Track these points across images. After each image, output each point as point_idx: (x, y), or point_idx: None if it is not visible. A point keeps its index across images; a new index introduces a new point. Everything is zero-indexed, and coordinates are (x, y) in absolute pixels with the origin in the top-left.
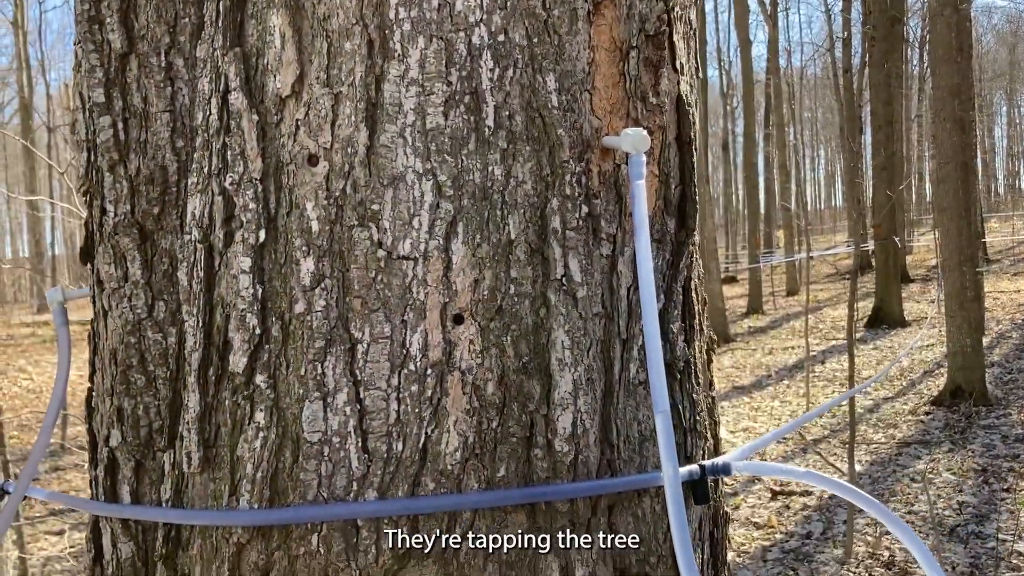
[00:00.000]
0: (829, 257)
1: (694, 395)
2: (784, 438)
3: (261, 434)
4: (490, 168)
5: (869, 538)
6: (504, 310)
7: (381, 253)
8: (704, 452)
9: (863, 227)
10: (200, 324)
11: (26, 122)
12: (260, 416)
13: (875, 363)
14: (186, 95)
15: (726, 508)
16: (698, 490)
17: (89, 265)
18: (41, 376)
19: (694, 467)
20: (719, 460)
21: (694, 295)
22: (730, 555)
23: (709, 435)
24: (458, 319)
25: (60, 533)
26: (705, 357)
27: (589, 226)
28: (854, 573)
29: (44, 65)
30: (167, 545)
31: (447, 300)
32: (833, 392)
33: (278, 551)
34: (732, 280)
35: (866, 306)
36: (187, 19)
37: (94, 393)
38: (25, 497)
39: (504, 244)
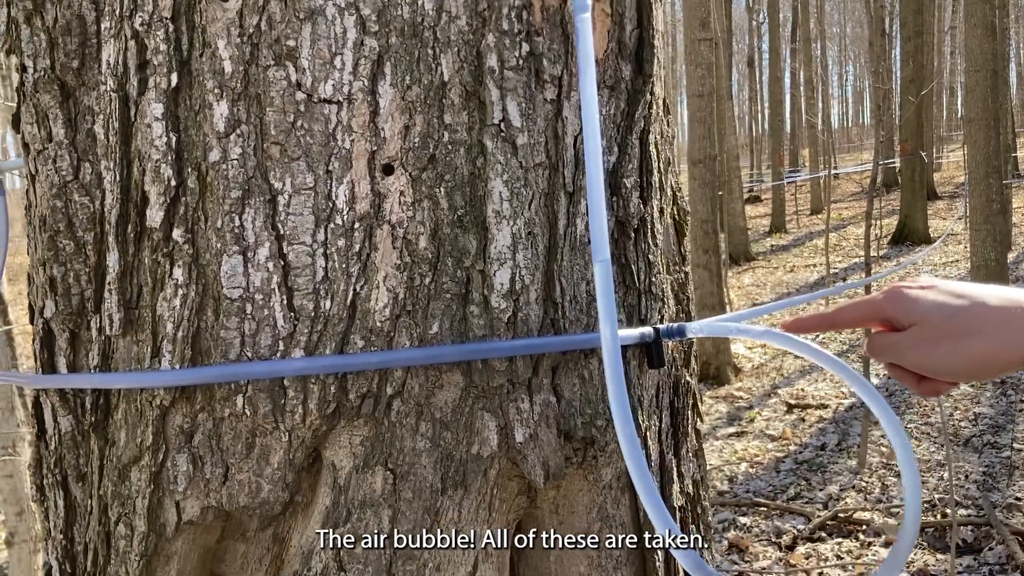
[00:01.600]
0: (854, 175)
1: (650, 256)
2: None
3: (180, 292)
4: (420, 1)
5: (884, 448)
6: (437, 159)
7: (300, 95)
8: (662, 317)
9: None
10: (117, 179)
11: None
12: (179, 273)
13: (897, 279)
14: None
15: (690, 379)
16: (651, 354)
17: (19, 134)
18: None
19: (648, 329)
20: (675, 325)
21: (653, 150)
22: (743, 466)
23: (671, 302)
24: (387, 169)
25: None
26: (671, 223)
27: (531, 67)
28: (867, 482)
29: None
30: (96, 413)
31: (375, 148)
32: None
33: (202, 413)
34: (756, 200)
35: (891, 223)
36: None
37: (31, 265)
38: None
39: (436, 86)
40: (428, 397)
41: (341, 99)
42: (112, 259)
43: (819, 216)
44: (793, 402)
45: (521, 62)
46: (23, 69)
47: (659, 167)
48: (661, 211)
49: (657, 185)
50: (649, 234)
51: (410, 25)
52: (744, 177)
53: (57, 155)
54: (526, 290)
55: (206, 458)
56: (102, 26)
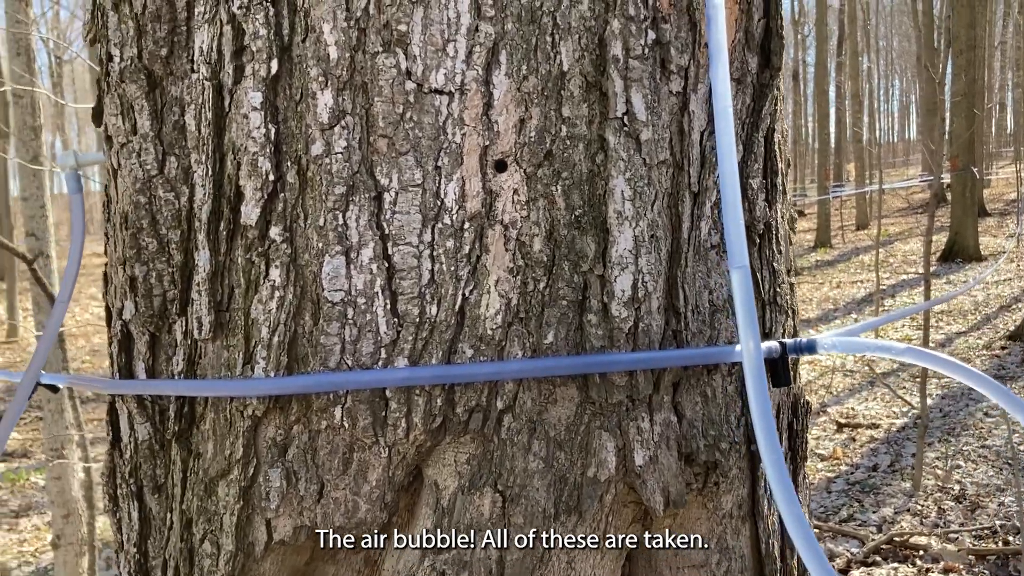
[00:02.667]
0: (901, 190)
1: (775, 264)
2: (850, 371)
3: (277, 294)
4: None
5: (939, 471)
6: (554, 154)
7: (410, 85)
8: (785, 330)
9: (940, 156)
10: (209, 173)
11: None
12: (276, 274)
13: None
14: None
15: (807, 398)
16: (777, 371)
17: (102, 126)
18: None
19: (773, 344)
20: (803, 338)
21: (777, 150)
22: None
23: (791, 313)
24: (500, 165)
25: None
26: (788, 226)
27: (656, 56)
28: (923, 505)
29: None
30: (180, 422)
31: (487, 143)
32: (903, 327)
33: (297, 425)
34: (800, 214)
35: (940, 240)
36: None
37: (108, 264)
38: (55, 389)
39: (555, 76)
40: (541, 413)
41: (453, 89)
42: (202, 258)
43: (865, 231)
44: (843, 421)
45: (647, 51)
46: (108, 58)
47: (782, 168)
48: (783, 216)
49: (781, 188)
50: (774, 240)
51: (528, 10)
52: (788, 190)
53: (142, 148)
54: (648, 298)
55: (300, 473)
56: (195, 11)
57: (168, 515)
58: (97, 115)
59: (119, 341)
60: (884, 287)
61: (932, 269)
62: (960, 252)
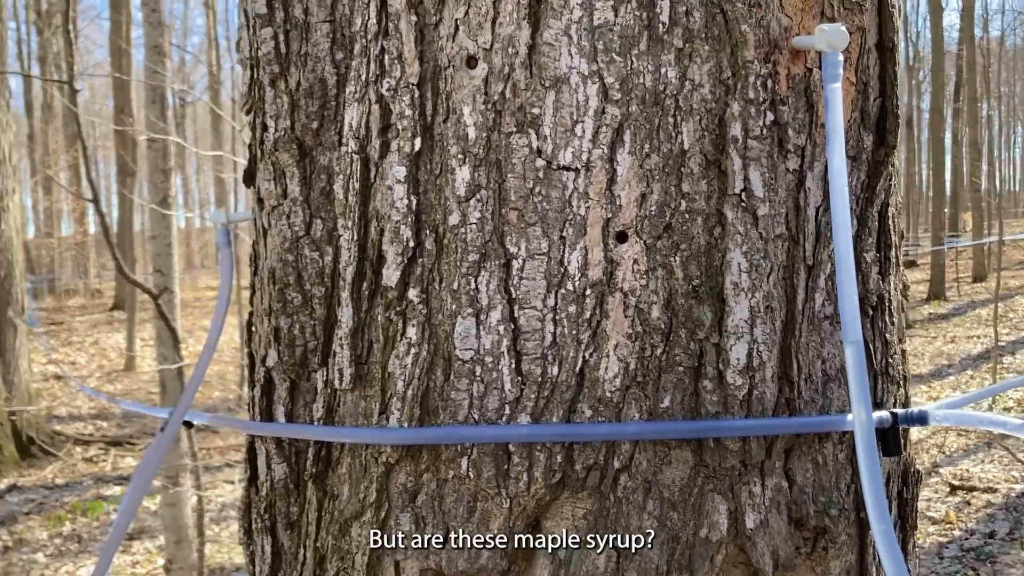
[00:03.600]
0: (1022, 242)
1: (887, 335)
2: (964, 430)
3: (413, 350)
4: (663, 70)
5: None
6: (673, 227)
7: (540, 162)
8: (896, 400)
9: None
10: (355, 238)
11: (215, 98)
12: (412, 332)
13: None
14: (346, 4)
15: (917, 467)
16: (888, 440)
17: (252, 187)
18: (223, 336)
19: (885, 414)
20: (914, 409)
21: (891, 224)
22: None
23: (902, 382)
24: (621, 236)
25: (237, 482)
26: (900, 297)
27: (774, 136)
28: None
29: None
30: (317, 464)
31: (610, 215)
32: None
33: (427, 473)
34: (912, 264)
35: None
36: None
37: (252, 315)
38: (190, 425)
39: (676, 154)
40: (656, 473)
41: (579, 166)
42: (345, 315)
43: (982, 284)
44: (957, 483)
45: (765, 131)
46: (263, 128)
47: (896, 241)
48: (896, 288)
49: (894, 262)
50: (887, 312)
51: (652, 93)
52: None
53: (291, 211)
54: (763, 366)
55: (428, 519)
56: (346, 90)
57: (301, 551)
58: (249, 177)
59: (261, 386)
60: (1003, 343)
61: None
62: None
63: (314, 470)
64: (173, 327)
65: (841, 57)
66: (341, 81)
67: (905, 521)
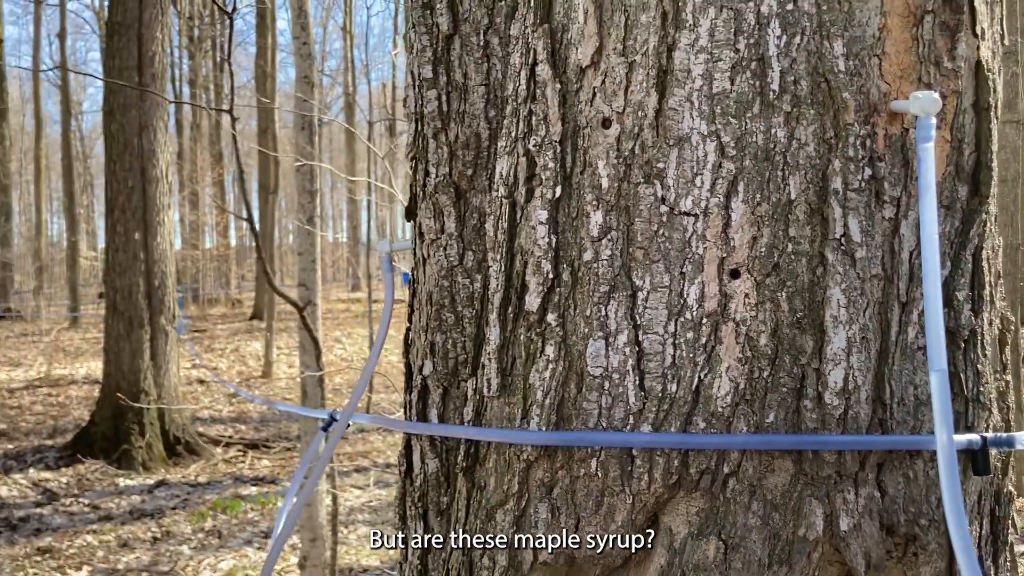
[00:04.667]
0: None
1: (979, 366)
2: None
3: (551, 366)
4: (773, 130)
5: None
6: (780, 267)
7: (664, 208)
8: (988, 425)
9: None
10: (502, 269)
11: (350, 118)
12: (550, 350)
13: None
14: (499, 70)
15: (1011, 488)
16: (978, 461)
17: (412, 222)
18: (352, 346)
19: (975, 436)
20: (1003, 434)
21: (985, 266)
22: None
23: (995, 411)
24: (734, 273)
25: (364, 487)
26: (997, 334)
27: (872, 189)
28: None
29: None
30: (467, 460)
31: (724, 255)
32: None
33: (561, 470)
34: None
35: None
36: (503, 2)
37: (411, 330)
38: (348, 425)
39: (783, 204)
40: (760, 479)
41: (698, 212)
42: (493, 334)
43: None
44: None
45: (863, 184)
46: (426, 173)
47: (990, 280)
48: (990, 323)
49: (988, 299)
50: (979, 345)
51: (763, 151)
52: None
53: (447, 244)
54: (857, 390)
55: (562, 509)
56: (498, 144)
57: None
58: (410, 213)
59: (418, 392)
60: None
61: None
62: None
63: (464, 464)
64: (316, 337)
65: (934, 120)
66: (493, 135)
67: (997, 536)
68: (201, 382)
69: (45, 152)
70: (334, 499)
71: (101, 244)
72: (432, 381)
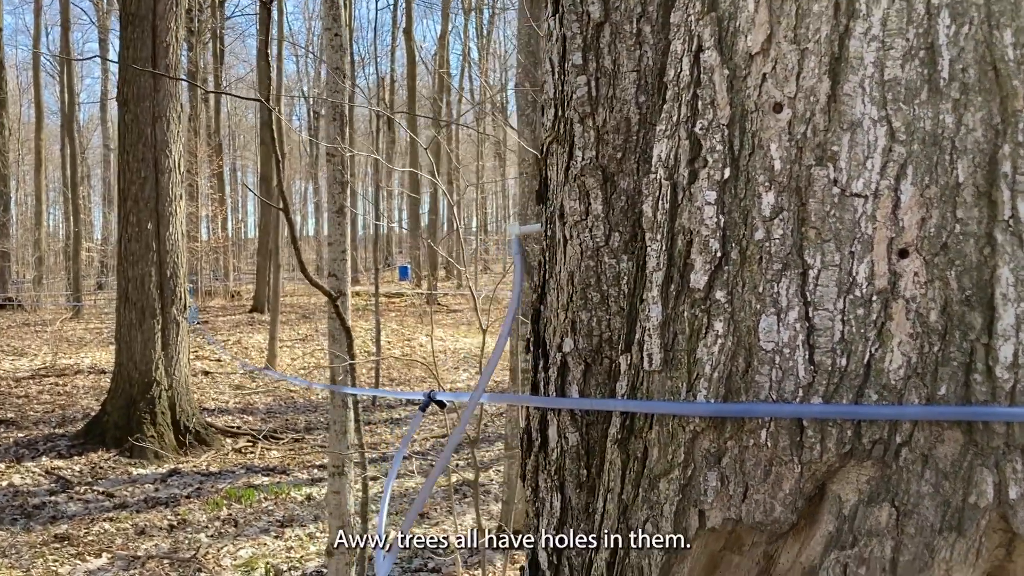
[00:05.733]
0: None
1: None
2: None
3: (719, 341)
4: (941, 116)
5: None
6: (949, 247)
7: (835, 190)
8: None
9: None
10: (664, 248)
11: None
12: (719, 326)
13: None
14: (650, 57)
15: None
16: None
17: (542, 205)
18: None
19: None
20: None
21: None
22: None
23: None
24: (903, 253)
25: (375, 479)
26: None
27: None
28: None
29: (364, 60)
30: (622, 432)
31: (894, 235)
32: None
33: (730, 440)
34: None
35: None
36: None
37: (544, 309)
38: (442, 405)
39: (952, 187)
40: (932, 449)
41: (868, 194)
42: (655, 311)
43: None
44: None
45: None
46: (570, 156)
47: None
48: None
49: None
50: None
51: (931, 136)
52: None
53: (593, 225)
54: None
55: (731, 478)
56: (657, 128)
57: (600, 503)
58: (540, 196)
59: (557, 368)
60: None
61: None
62: None
63: (619, 436)
64: (348, 327)
65: None
66: (643, 119)
67: None
68: (206, 373)
69: (45, 143)
70: (364, 486)
71: (98, 235)
72: (573, 358)
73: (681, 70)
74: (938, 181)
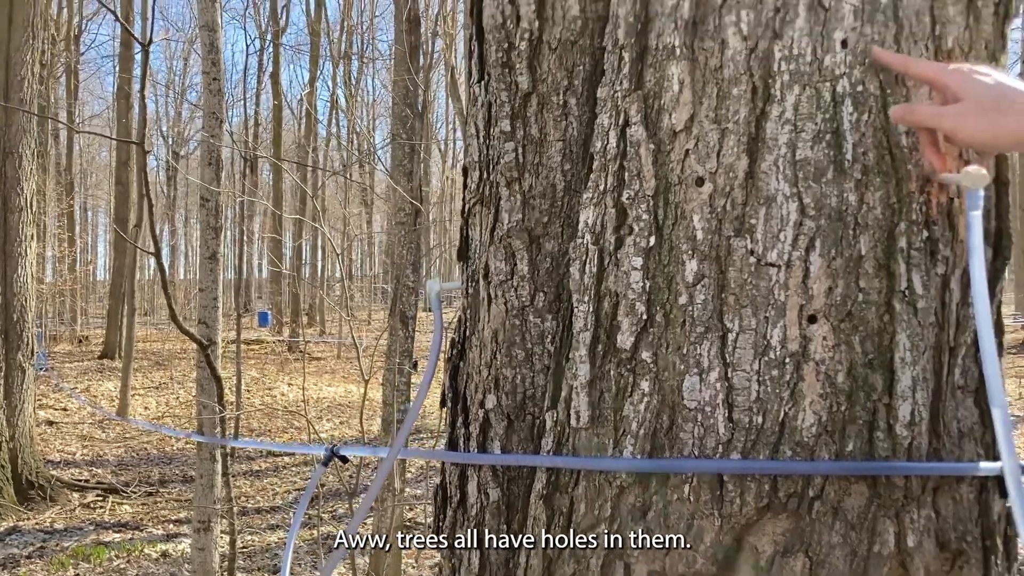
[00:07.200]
0: None
1: None
2: None
3: (645, 399)
4: (846, 194)
5: None
6: (853, 313)
7: (752, 260)
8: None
9: None
10: (591, 310)
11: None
12: (645, 385)
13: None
14: (575, 128)
15: None
16: (1002, 486)
17: (463, 263)
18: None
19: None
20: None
21: (1000, 317)
22: None
23: None
24: (812, 319)
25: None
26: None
27: (928, 248)
28: None
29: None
30: (548, 487)
31: (804, 302)
32: None
33: (655, 495)
34: None
35: None
36: (582, 66)
37: (463, 365)
38: (345, 459)
39: (855, 259)
40: (840, 501)
41: (781, 264)
42: (582, 370)
43: None
44: None
45: (922, 244)
46: (496, 219)
47: (1002, 329)
48: (1002, 367)
49: (1003, 346)
50: (1002, 386)
51: (837, 211)
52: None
53: (519, 285)
54: (921, 423)
55: (655, 531)
56: (583, 196)
57: (524, 559)
58: (461, 254)
59: (480, 424)
60: None
61: None
62: None
63: (544, 492)
64: (219, 376)
65: (982, 192)
66: (568, 186)
67: (1009, 554)
68: (51, 423)
69: None
70: (232, 541)
71: None
72: (496, 414)
73: (608, 142)
74: (843, 253)
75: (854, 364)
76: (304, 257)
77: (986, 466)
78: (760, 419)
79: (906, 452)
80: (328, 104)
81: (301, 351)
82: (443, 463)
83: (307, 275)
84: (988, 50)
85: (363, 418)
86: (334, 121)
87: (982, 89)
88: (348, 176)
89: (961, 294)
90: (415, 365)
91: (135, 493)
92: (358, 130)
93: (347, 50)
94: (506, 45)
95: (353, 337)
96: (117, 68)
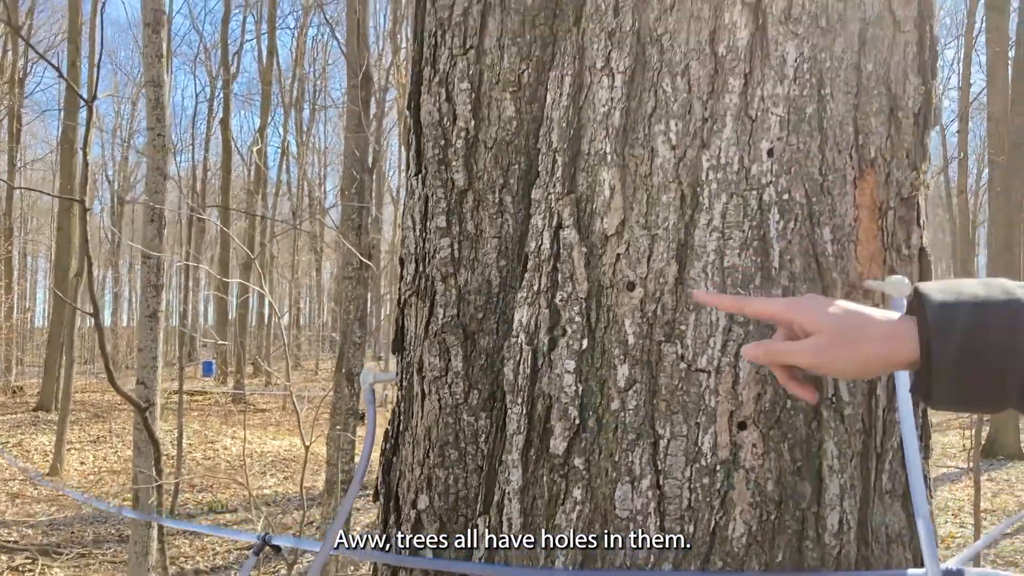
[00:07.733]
0: None
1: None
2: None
3: (578, 507)
4: None
5: None
6: (782, 420)
7: (683, 365)
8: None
9: None
10: (524, 412)
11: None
12: (577, 492)
13: (990, 495)
14: (511, 225)
15: None
16: None
17: (398, 355)
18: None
19: (942, 567)
20: (952, 565)
21: (926, 420)
22: None
23: (938, 543)
24: (742, 425)
25: None
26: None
27: None
28: None
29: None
30: None
31: (734, 408)
32: (946, 522)
33: None
34: None
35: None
36: (517, 165)
37: (396, 462)
38: (277, 549)
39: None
40: None
41: (712, 370)
42: (515, 475)
43: None
44: None
45: None
46: (431, 313)
47: (929, 432)
48: (927, 468)
49: (929, 448)
50: (929, 489)
51: (765, 323)
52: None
53: (453, 382)
54: (849, 531)
55: None
56: (518, 295)
57: None
58: (396, 345)
59: (411, 525)
60: None
61: (969, 465)
62: (1000, 449)
63: None
64: (157, 440)
65: (905, 300)
66: (503, 282)
67: None
68: None
69: None
70: None
71: None
72: (428, 516)
73: (542, 243)
74: None
75: (783, 472)
76: (251, 305)
77: (913, 573)
78: (692, 528)
79: (835, 561)
80: (279, 150)
81: (245, 403)
82: (375, 564)
83: (253, 323)
84: (909, 159)
85: (303, 486)
86: (284, 168)
87: (835, 320)
88: (297, 226)
89: (887, 399)
90: (361, 417)
91: (67, 555)
92: (309, 176)
93: (299, 97)
94: (443, 142)
95: (294, 401)
96: (62, 114)
